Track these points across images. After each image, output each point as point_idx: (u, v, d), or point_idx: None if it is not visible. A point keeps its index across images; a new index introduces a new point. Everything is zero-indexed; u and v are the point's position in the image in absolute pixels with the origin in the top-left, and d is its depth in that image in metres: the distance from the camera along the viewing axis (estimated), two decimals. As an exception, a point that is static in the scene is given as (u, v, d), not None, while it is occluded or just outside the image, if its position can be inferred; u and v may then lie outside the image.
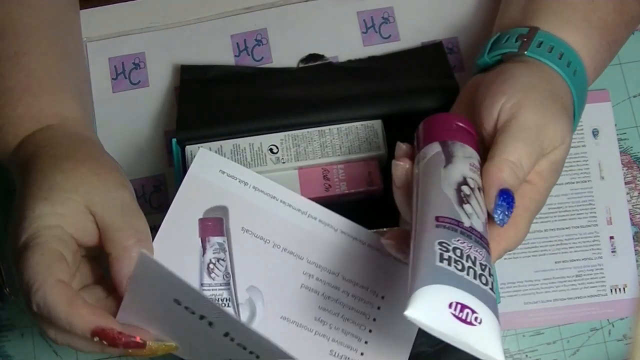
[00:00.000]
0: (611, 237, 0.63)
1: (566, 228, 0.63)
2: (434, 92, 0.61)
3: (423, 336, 0.57)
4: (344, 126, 0.60)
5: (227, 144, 0.60)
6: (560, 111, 0.47)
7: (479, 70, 0.55)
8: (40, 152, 0.48)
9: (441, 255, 0.39)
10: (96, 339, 0.41)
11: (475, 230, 0.41)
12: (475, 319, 0.38)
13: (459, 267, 0.39)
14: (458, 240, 0.40)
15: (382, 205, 0.63)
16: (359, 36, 0.67)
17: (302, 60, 0.67)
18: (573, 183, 0.64)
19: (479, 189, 0.44)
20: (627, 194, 0.64)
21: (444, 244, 0.39)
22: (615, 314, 0.62)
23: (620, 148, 0.65)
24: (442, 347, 0.57)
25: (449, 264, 0.39)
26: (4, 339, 0.64)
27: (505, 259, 0.63)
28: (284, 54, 0.67)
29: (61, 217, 0.44)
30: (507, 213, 0.43)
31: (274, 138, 0.60)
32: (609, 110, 0.65)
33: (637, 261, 0.63)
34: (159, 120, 0.66)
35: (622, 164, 0.64)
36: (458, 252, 0.39)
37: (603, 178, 0.64)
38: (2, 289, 0.63)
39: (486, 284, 0.39)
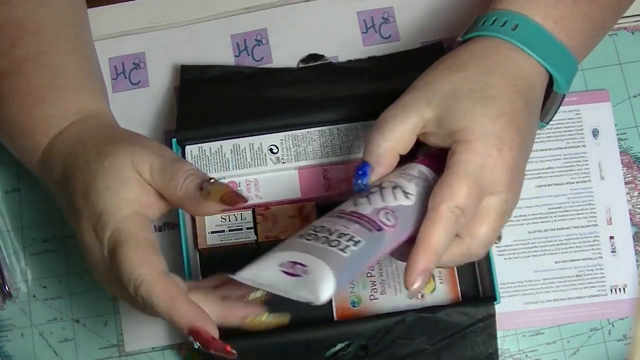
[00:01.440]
0: (611, 237, 0.63)
1: (566, 228, 0.63)
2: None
3: (423, 335, 0.57)
4: (344, 126, 0.60)
5: (227, 144, 0.60)
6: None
7: None
8: (77, 148, 0.49)
9: (303, 232, 0.44)
10: (191, 338, 0.43)
11: (356, 213, 0.44)
12: (305, 271, 0.40)
13: (310, 237, 0.43)
14: (330, 222, 0.44)
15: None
16: (359, 36, 0.67)
17: (302, 60, 0.67)
18: (573, 183, 0.64)
19: (393, 187, 0.46)
20: (627, 194, 0.64)
21: (317, 225, 0.44)
22: (615, 314, 0.62)
23: (620, 148, 0.65)
24: (442, 345, 0.58)
25: (301, 237, 0.43)
26: (4, 339, 0.64)
27: (505, 259, 0.63)
28: (284, 54, 0.67)
29: (131, 202, 0.45)
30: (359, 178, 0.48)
31: (274, 138, 0.60)
32: (609, 110, 0.65)
33: (637, 261, 0.63)
34: (159, 120, 0.66)
35: (622, 164, 0.64)
36: (320, 228, 0.43)
37: (603, 178, 0.64)
38: (2, 289, 0.63)
39: (336, 246, 0.42)
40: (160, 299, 0.43)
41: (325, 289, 0.40)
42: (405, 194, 0.46)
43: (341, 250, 0.42)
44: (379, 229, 0.44)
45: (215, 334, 0.43)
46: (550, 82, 0.51)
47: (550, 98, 0.53)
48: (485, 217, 0.46)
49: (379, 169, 0.48)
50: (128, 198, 0.45)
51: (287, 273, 0.41)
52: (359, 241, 0.43)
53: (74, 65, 0.54)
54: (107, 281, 0.47)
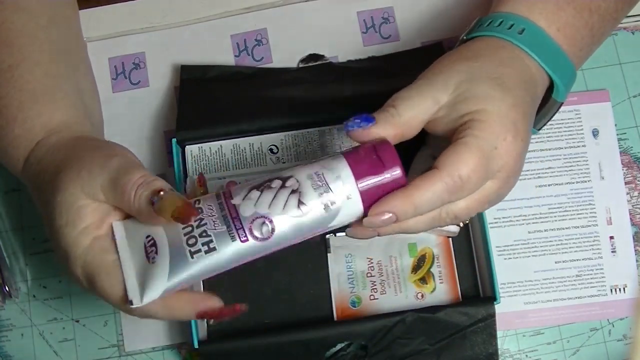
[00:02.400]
0: (611, 237, 0.63)
1: (566, 228, 0.63)
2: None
3: (423, 335, 0.57)
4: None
5: (227, 144, 0.60)
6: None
7: None
8: (38, 180, 0.50)
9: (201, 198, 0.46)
10: (204, 319, 0.46)
11: (236, 211, 0.44)
12: (153, 260, 0.44)
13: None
14: (215, 206, 0.44)
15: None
16: (359, 36, 0.67)
17: (302, 60, 0.67)
18: (573, 183, 0.64)
19: (291, 192, 0.44)
20: (627, 194, 0.64)
21: (209, 203, 0.45)
22: (615, 314, 0.62)
23: (620, 148, 0.65)
24: (442, 345, 0.58)
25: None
26: (4, 339, 0.64)
27: (505, 259, 0.63)
28: (284, 54, 0.67)
29: (88, 231, 0.46)
30: (355, 122, 0.46)
31: (274, 138, 0.60)
32: (609, 110, 0.65)
33: (637, 261, 0.63)
34: (158, 120, 0.66)
35: (622, 164, 0.64)
36: (207, 209, 0.44)
37: (603, 178, 0.64)
38: (2, 288, 0.63)
39: (190, 245, 0.43)
40: (156, 312, 0.45)
41: (144, 298, 0.43)
42: (300, 203, 0.44)
43: (191, 252, 0.43)
44: (243, 240, 0.43)
45: (218, 304, 0.45)
46: (549, 89, 0.51)
47: (548, 105, 0.53)
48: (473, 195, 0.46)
49: (383, 130, 0.46)
50: (84, 228, 0.45)
51: (146, 249, 0.44)
52: (214, 249, 0.43)
53: (42, 76, 0.54)
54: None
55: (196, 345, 0.57)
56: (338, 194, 0.44)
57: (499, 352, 0.60)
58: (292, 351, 0.57)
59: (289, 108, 0.61)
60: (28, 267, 0.65)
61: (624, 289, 0.62)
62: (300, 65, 0.67)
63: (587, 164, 0.64)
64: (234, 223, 0.43)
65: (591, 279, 0.63)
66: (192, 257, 0.43)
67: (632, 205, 0.64)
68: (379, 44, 0.67)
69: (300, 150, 0.59)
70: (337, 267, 0.62)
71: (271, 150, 0.59)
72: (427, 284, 0.61)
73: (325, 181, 0.44)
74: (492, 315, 0.58)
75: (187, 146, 0.60)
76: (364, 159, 0.44)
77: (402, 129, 0.47)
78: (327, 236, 0.62)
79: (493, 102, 0.45)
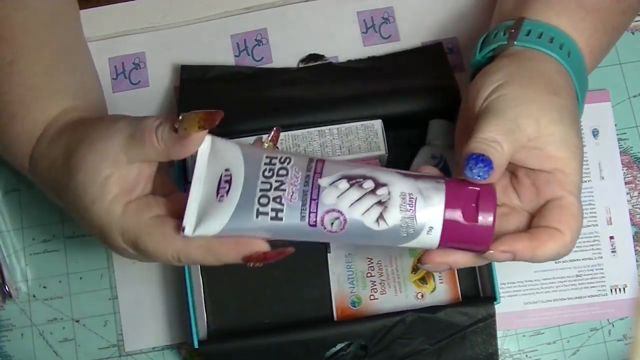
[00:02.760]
0: (611, 237, 0.63)
1: (566, 228, 0.63)
2: (434, 92, 0.61)
3: (423, 335, 0.57)
4: (344, 126, 0.60)
5: (227, 144, 0.60)
6: (542, 90, 0.47)
7: (473, 72, 0.54)
8: (52, 172, 0.49)
9: (286, 157, 0.45)
10: (250, 264, 0.44)
11: (317, 195, 0.43)
12: (220, 199, 0.43)
13: (273, 173, 0.43)
14: (301, 175, 0.43)
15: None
16: (359, 36, 0.67)
17: (302, 60, 0.67)
18: (573, 183, 0.64)
19: (378, 202, 0.43)
20: (627, 194, 0.64)
21: (293, 163, 0.44)
22: (615, 314, 0.62)
23: (620, 148, 0.65)
24: (442, 345, 0.58)
25: (274, 164, 0.44)
26: (4, 339, 0.64)
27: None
28: (284, 54, 0.67)
29: (118, 198, 0.45)
30: (479, 167, 0.43)
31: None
32: (609, 110, 0.65)
33: (637, 261, 0.63)
34: (159, 120, 0.66)
35: (622, 164, 0.64)
36: (284, 172, 0.43)
37: (603, 178, 0.64)
38: (2, 288, 0.63)
39: (259, 204, 0.43)
40: (202, 257, 0.44)
41: (197, 229, 0.42)
42: (380, 218, 0.43)
43: (257, 211, 0.42)
44: (311, 224, 0.43)
45: (264, 247, 0.44)
46: None
47: None
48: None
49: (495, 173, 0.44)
50: (114, 198, 0.45)
51: (220, 183, 0.43)
52: (280, 219, 0.42)
53: (44, 68, 0.54)
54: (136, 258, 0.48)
55: (196, 345, 0.57)
56: (420, 226, 0.43)
57: (499, 352, 0.60)
58: (292, 351, 0.57)
59: (289, 108, 0.61)
60: (28, 267, 0.65)
61: (624, 289, 0.62)
62: (300, 65, 0.67)
63: (587, 164, 0.64)
64: (310, 204, 0.42)
65: (591, 279, 0.63)
66: (257, 217, 0.42)
67: (632, 205, 0.64)
68: (379, 44, 0.67)
69: (300, 150, 0.59)
70: (337, 267, 0.62)
71: (271, 150, 0.59)
72: (427, 284, 0.61)
73: (415, 209, 0.42)
74: (492, 315, 0.58)
75: (187, 146, 0.60)
76: (462, 203, 0.43)
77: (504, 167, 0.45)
78: (327, 236, 0.62)
79: (572, 162, 0.46)
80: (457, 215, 0.43)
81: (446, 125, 0.62)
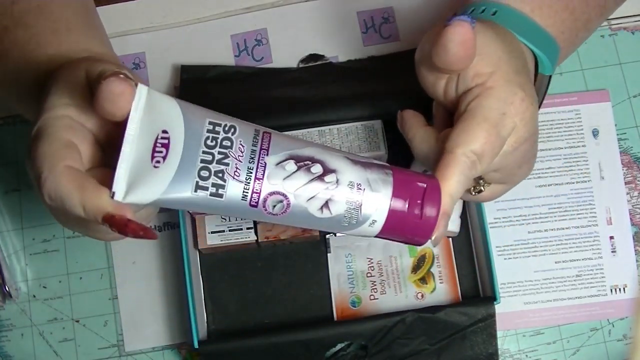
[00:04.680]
0: (611, 237, 0.63)
1: (566, 228, 0.63)
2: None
3: (423, 335, 0.57)
4: (344, 126, 0.60)
5: (227, 144, 0.60)
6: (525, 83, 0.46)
7: None
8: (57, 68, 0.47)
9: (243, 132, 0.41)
10: (106, 225, 0.39)
11: (261, 177, 0.40)
12: (157, 162, 0.39)
13: (226, 147, 0.40)
14: (250, 154, 0.40)
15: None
16: (359, 36, 0.67)
17: (302, 60, 0.67)
18: (573, 183, 0.64)
19: (326, 190, 0.41)
20: (627, 194, 0.64)
21: (246, 142, 0.40)
22: (615, 314, 0.62)
23: (620, 148, 0.65)
24: (442, 345, 0.58)
25: (227, 137, 0.40)
26: (4, 339, 0.64)
27: (505, 259, 0.63)
28: (284, 54, 0.67)
29: (69, 107, 0.42)
30: None
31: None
32: (609, 110, 0.65)
33: (637, 261, 0.63)
34: (159, 120, 0.66)
35: (622, 164, 0.64)
36: (239, 147, 0.40)
37: (603, 178, 0.64)
38: (2, 288, 0.63)
39: (202, 178, 0.39)
40: (69, 189, 0.39)
41: (128, 196, 0.38)
42: (325, 206, 0.41)
43: (197, 185, 0.38)
44: (252, 205, 0.40)
45: (131, 216, 0.39)
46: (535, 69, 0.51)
47: (537, 82, 0.52)
48: None
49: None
50: (68, 104, 0.42)
51: (155, 145, 0.39)
52: (220, 195, 0.39)
53: (74, 13, 0.53)
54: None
55: (196, 345, 0.57)
56: (364, 218, 0.41)
57: (499, 352, 0.60)
58: (292, 351, 0.57)
59: (289, 108, 0.61)
60: (28, 267, 0.65)
61: (624, 289, 0.62)
62: (300, 65, 0.67)
63: (587, 164, 0.64)
64: (254, 184, 0.39)
65: (591, 279, 0.63)
66: (195, 191, 0.39)
67: (632, 205, 0.64)
68: (379, 44, 0.67)
69: (300, 150, 0.59)
70: (337, 267, 0.62)
71: (271, 150, 0.59)
72: (427, 284, 0.61)
73: (361, 200, 0.41)
74: (492, 315, 0.58)
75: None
76: (409, 198, 0.42)
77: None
78: (327, 236, 0.62)
79: (501, 64, 0.45)
80: (401, 210, 0.41)
81: (446, 125, 0.62)
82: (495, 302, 0.58)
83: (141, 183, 0.38)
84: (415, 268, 0.61)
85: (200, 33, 0.68)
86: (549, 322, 0.62)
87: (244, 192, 0.39)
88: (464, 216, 0.61)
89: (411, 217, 0.42)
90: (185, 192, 0.39)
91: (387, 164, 0.43)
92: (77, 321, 0.64)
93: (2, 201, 0.66)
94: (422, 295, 0.61)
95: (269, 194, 0.40)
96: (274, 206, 0.40)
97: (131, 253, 0.64)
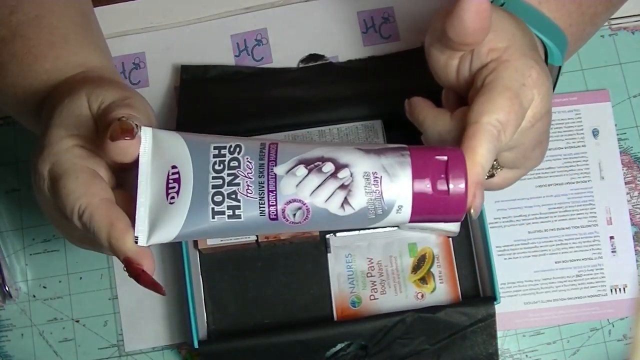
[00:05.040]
0: (611, 237, 0.63)
1: (566, 228, 0.63)
2: (434, 93, 0.61)
3: (423, 335, 0.57)
4: (344, 126, 0.60)
5: (227, 144, 0.60)
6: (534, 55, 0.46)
7: None
8: (55, 90, 0.48)
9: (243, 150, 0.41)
10: (124, 268, 0.41)
11: (275, 186, 0.39)
12: (172, 201, 0.40)
13: (224, 170, 0.40)
14: (254, 167, 0.40)
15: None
16: (359, 36, 0.67)
17: (302, 60, 0.67)
18: (573, 183, 0.64)
19: (341, 186, 0.39)
20: (627, 194, 0.64)
21: (249, 159, 0.41)
22: (615, 314, 0.62)
23: (620, 148, 0.65)
24: (442, 345, 0.58)
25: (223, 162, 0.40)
26: (4, 339, 0.64)
27: (505, 259, 0.63)
28: (284, 54, 0.67)
29: (77, 138, 0.43)
30: None
31: (274, 138, 0.60)
32: (609, 110, 0.65)
33: (637, 261, 0.63)
34: (158, 120, 0.66)
35: (622, 164, 0.64)
36: (243, 166, 0.40)
37: (603, 178, 0.64)
38: (2, 288, 0.63)
39: (214, 204, 0.39)
40: (101, 225, 0.40)
41: (152, 238, 0.39)
42: (345, 203, 0.39)
43: (213, 211, 0.39)
44: (272, 218, 0.39)
45: (150, 268, 0.41)
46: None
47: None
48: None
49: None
50: (75, 135, 0.43)
51: (167, 183, 0.39)
52: (238, 217, 0.39)
53: (72, 24, 0.53)
54: (56, 220, 0.45)
55: (196, 345, 0.57)
56: (389, 205, 0.39)
57: (499, 352, 0.60)
58: (292, 351, 0.57)
59: (289, 108, 0.61)
60: (28, 267, 0.65)
61: (624, 289, 0.62)
62: (300, 65, 0.67)
63: (587, 164, 0.64)
64: (268, 197, 0.39)
65: (591, 279, 0.63)
66: (213, 218, 0.39)
67: (632, 205, 0.64)
68: (379, 44, 0.67)
69: (300, 150, 0.59)
70: (337, 267, 0.62)
71: (271, 150, 0.59)
72: (427, 284, 0.61)
73: (381, 189, 0.39)
74: (492, 315, 0.58)
75: (187, 146, 0.60)
76: (431, 175, 0.40)
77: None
78: (327, 236, 0.62)
79: (516, 39, 0.45)
80: (426, 188, 0.39)
81: (446, 125, 0.62)
82: (495, 302, 0.58)
83: (161, 223, 0.39)
84: (415, 268, 0.61)
85: (200, 33, 0.68)
86: (549, 322, 0.62)
87: (260, 208, 0.39)
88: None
89: (438, 195, 0.39)
90: (203, 222, 0.39)
91: (404, 145, 0.41)
92: (77, 321, 0.64)
93: (2, 201, 0.66)
94: (422, 295, 0.61)
95: (285, 204, 0.39)
96: (294, 214, 0.39)
97: (131, 253, 0.64)
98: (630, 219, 0.64)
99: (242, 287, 0.62)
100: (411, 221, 0.41)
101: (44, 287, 0.64)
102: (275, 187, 0.39)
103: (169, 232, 0.39)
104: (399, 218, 0.40)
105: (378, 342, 0.57)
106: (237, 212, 0.39)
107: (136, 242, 0.40)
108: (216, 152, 0.40)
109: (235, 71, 0.66)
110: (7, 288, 0.63)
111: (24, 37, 0.51)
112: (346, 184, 0.39)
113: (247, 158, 0.40)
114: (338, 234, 0.62)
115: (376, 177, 0.39)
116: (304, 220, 0.39)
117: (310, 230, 0.41)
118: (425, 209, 0.40)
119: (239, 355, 0.58)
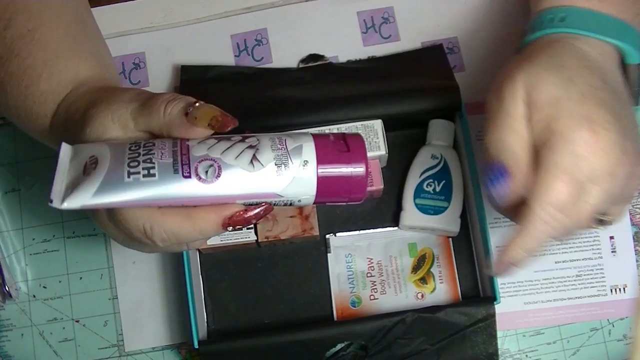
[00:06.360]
0: (611, 237, 0.63)
1: (566, 228, 0.63)
2: (434, 93, 0.61)
3: (423, 335, 0.57)
4: (344, 126, 0.60)
5: (227, 144, 0.60)
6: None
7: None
8: (67, 124, 0.49)
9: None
10: (230, 228, 0.43)
11: (187, 148, 0.43)
12: (89, 173, 0.42)
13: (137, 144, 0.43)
14: (167, 141, 0.43)
15: (382, 204, 0.63)
16: (359, 36, 0.67)
17: (302, 60, 0.67)
18: (573, 183, 0.64)
19: (249, 147, 0.43)
20: (627, 194, 0.64)
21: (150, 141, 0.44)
22: (615, 314, 0.62)
23: (620, 148, 0.65)
24: (442, 345, 0.58)
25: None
26: (4, 339, 0.64)
27: (505, 259, 0.63)
28: (284, 54, 0.67)
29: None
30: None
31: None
32: (609, 110, 0.65)
33: (637, 261, 0.63)
34: (159, 120, 0.66)
35: (622, 164, 0.64)
36: (150, 145, 0.43)
37: (603, 178, 0.64)
38: (2, 288, 0.63)
39: (130, 167, 0.42)
40: (179, 226, 0.43)
41: (66, 201, 0.41)
42: (254, 158, 0.42)
43: (128, 172, 0.41)
44: (185, 176, 0.41)
45: (243, 207, 0.43)
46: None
47: (628, 74, 0.50)
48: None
49: (519, 174, 0.45)
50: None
51: (86, 165, 0.42)
52: (153, 175, 0.41)
53: (64, 34, 0.54)
54: (124, 241, 0.47)
55: (196, 345, 0.57)
56: (294, 160, 0.43)
57: (499, 352, 0.60)
58: (292, 351, 0.57)
59: (289, 108, 0.61)
60: (28, 267, 0.65)
61: (624, 289, 0.62)
62: (300, 65, 0.67)
63: (587, 164, 0.64)
64: (181, 158, 0.42)
65: (591, 279, 0.63)
66: (129, 177, 0.41)
67: (632, 205, 0.64)
68: (379, 44, 0.67)
69: (300, 150, 0.59)
70: (337, 267, 0.62)
71: (271, 150, 0.59)
72: (427, 284, 0.61)
73: (286, 146, 0.43)
74: (492, 315, 0.58)
75: (187, 146, 0.60)
76: (332, 142, 0.44)
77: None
78: (327, 236, 0.62)
79: (559, 105, 0.44)
80: (328, 145, 0.43)
81: (446, 125, 0.62)
82: (495, 302, 0.58)
83: (77, 187, 0.41)
84: (415, 268, 0.61)
85: (200, 33, 0.68)
86: (549, 322, 0.62)
87: (174, 167, 0.41)
88: (464, 216, 0.61)
89: (339, 150, 0.44)
90: (119, 182, 0.41)
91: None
92: (77, 321, 0.64)
93: (2, 201, 0.66)
94: (422, 295, 0.61)
95: (198, 162, 0.42)
96: (206, 171, 0.42)
97: (131, 253, 0.64)
98: (630, 219, 0.64)
99: (242, 287, 0.62)
100: (319, 188, 0.43)
101: (44, 287, 0.64)
102: (188, 151, 0.42)
103: (85, 194, 0.41)
104: (306, 175, 0.43)
105: (378, 342, 0.57)
106: (151, 170, 0.41)
107: (51, 203, 0.41)
108: (132, 146, 0.43)
109: (236, 71, 0.66)
110: (7, 288, 0.63)
111: (19, 57, 0.52)
112: (253, 144, 0.43)
113: (160, 142, 0.43)
114: (338, 234, 0.62)
115: (281, 140, 0.43)
116: (216, 178, 0.42)
117: (226, 201, 0.43)
118: (329, 162, 0.43)
119: (239, 355, 0.58)
